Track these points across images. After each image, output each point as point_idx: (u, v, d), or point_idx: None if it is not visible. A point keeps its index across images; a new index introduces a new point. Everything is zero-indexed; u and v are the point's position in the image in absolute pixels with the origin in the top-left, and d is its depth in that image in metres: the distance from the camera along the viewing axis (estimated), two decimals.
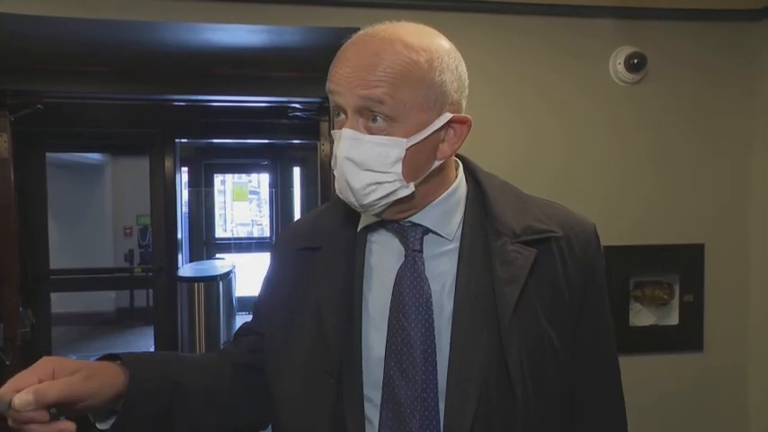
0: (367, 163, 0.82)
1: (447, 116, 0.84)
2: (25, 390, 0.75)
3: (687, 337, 2.02)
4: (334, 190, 0.88)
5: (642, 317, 2.02)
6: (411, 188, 0.85)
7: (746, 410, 2.05)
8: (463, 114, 0.87)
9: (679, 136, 2.00)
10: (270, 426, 1.03)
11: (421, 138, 0.83)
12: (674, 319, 2.02)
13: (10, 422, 0.76)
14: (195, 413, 0.95)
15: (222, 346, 1.13)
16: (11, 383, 0.77)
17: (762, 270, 2.02)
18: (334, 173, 0.86)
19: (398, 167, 0.82)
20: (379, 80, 0.79)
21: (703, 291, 2.02)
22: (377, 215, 0.89)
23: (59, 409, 0.78)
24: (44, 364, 0.80)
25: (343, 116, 0.84)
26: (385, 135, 0.81)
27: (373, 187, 0.83)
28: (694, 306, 2.01)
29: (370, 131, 0.82)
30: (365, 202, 0.84)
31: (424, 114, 0.82)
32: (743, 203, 2.03)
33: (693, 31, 1.98)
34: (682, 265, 2.01)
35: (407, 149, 0.82)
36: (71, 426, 0.78)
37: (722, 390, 2.04)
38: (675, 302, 2.02)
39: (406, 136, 0.82)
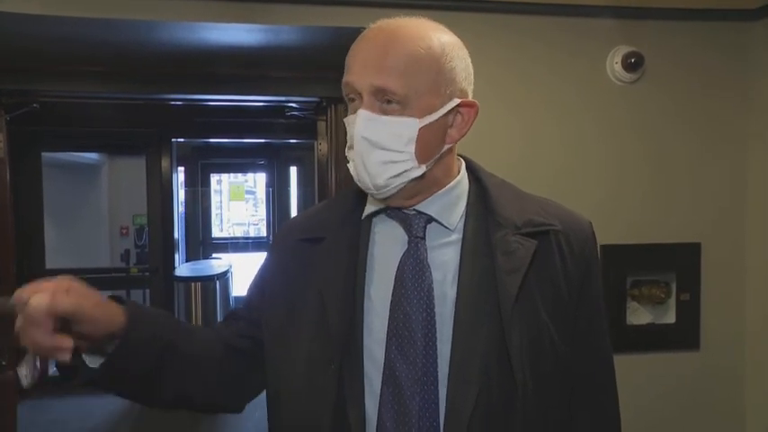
0: (381, 142, 0.85)
1: (456, 101, 0.88)
2: (43, 294, 0.79)
3: (684, 335, 2.02)
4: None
5: (639, 315, 2.02)
6: (423, 169, 0.88)
7: (743, 408, 2.06)
8: (471, 99, 0.91)
9: (676, 135, 2.00)
10: (244, 407, 1.06)
11: (432, 119, 0.86)
12: (670, 317, 2.02)
13: (18, 322, 0.80)
14: (182, 378, 0.97)
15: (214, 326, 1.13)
16: (31, 287, 0.80)
17: (758, 268, 2.03)
18: (349, 155, 0.89)
19: (411, 147, 0.86)
20: (392, 67, 0.83)
21: (700, 289, 2.02)
22: (387, 199, 0.91)
23: (63, 325, 0.81)
24: (63, 280, 0.83)
25: (357, 101, 0.87)
26: (398, 116, 0.85)
27: (387, 166, 0.86)
28: (691, 305, 2.02)
29: (385, 113, 0.85)
30: (379, 181, 0.87)
31: (435, 99, 0.86)
32: (739, 202, 2.04)
33: (690, 30, 1.98)
34: (678, 264, 2.01)
35: (420, 130, 0.85)
36: (69, 341, 0.80)
37: (719, 388, 2.05)
38: (672, 301, 2.02)
39: (419, 117, 0.85)
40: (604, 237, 1.95)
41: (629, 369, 1.97)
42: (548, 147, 1.95)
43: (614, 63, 1.94)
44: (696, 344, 2.03)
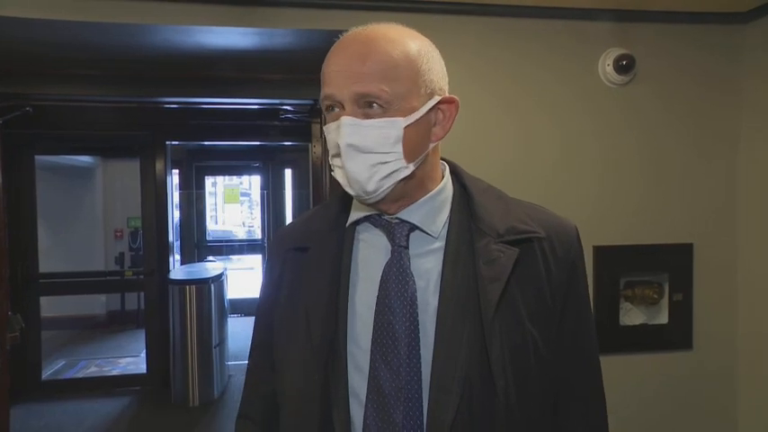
0: (369, 146, 0.85)
1: (436, 98, 0.89)
2: None
3: (677, 335, 2.03)
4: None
5: (632, 316, 2.03)
6: (411, 168, 0.88)
7: (736, 408, 2.07)
8: (450, 95, 0.92)
9: (668, 137, 2.02)
10: None
11: (416, 118, 0.87)
12: (663, 318, 2.04)
13: None
14: None
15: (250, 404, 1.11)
16: None
17: (750, 269, 2.04)
18: (335, 164, 0.89)
19: (399, 147, 0.86)
20: (372, 73, 0.83)
21: (692, 290, 2.04)
22: (377, 204, 0.90)
23: None
24: None
25: (337, 110, 0.87)
26: (382, 118, 0.85)
27: (376, 168, 0.86)
28: (684, 305, 2.03)
29: (368, 117, 0.85)
30: (369, 187, 0.87)
31: (416, 100, 0.87)
32: (732, 203, 2.06)
33: (682, 33, 2.00)
34: (671, 265, 2.02)
35: (405, 129, 0.86)
36: None
37: (711, 388, 2.06)
38: (665, 302, 2.03)
39: (402, 117, 0.86)
40: (597, 238, 1.96)
41: (623, 370, 1.98)
42: (540, 148, 1.96)
43: (606, 65, 1.95)
44: (689, 344, 2.04)
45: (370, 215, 0.95)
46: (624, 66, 1.93)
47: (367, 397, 0.87)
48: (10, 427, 2.79)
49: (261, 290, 1.07)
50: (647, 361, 2.02)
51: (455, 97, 0.92)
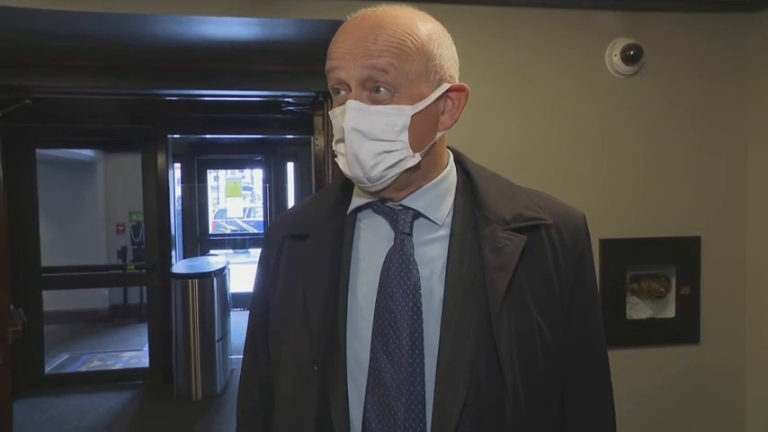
0: (374, 133, 0.82)
1: (445, 86, 0.86)
2: None
3: (684, 329, 2.01)
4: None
5: (639, 310, 2.01)
6: (417, 158, 0.85)
7: (743, 402, 2.06)
8: (460, 83, 0.89)
9: (675, 128, 1.99)
10: None
11: (423, 106, 0.84)
12: (670, 311, 2.02)
13: None
14: None
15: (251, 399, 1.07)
16: None
17: (758, 262, 2.02)
18: (338, 150, 0.86)
19: (405, 136, 0.83)
20: (382, 50, 0.80)
21: (700, 283, 2.01)
22: (380, 192, 0.87)
23: None
24: None
25: (343, 93, 0.85)
26: (389, 105, 0.82)
27: (381, 157, 0.83)
28: (691, 299, 2.01)
29: (375, 102, 0.82)
30: (373, 174, 0.83)
31: (425, 85, 0.84)
32: (739, 196, 2.03)
33: (689, 22, 1.97)
34: (678, 258, 2.00)
35: (412, 117, 0.83)
36: None
37: (719, 382, 2.04)
38: (672, 295, 2.01)
39: (410, 105, 0.83)
40: (603, 231, 1.94)
41: (630, 364, 1.97)
42: (546, 140, 1.93)
43: (613, 55, 1.92)
44: (696, 338, 2.02)
45: (372, 202, 0.91)
46: (632, 56, 1.90)
47: (366, 390, 0.85)
48: (13, 421, 2.79)
49: (255, 278, 1.05)
50: (653, 355, 2.01)
51: (465, 85, 0.89)
